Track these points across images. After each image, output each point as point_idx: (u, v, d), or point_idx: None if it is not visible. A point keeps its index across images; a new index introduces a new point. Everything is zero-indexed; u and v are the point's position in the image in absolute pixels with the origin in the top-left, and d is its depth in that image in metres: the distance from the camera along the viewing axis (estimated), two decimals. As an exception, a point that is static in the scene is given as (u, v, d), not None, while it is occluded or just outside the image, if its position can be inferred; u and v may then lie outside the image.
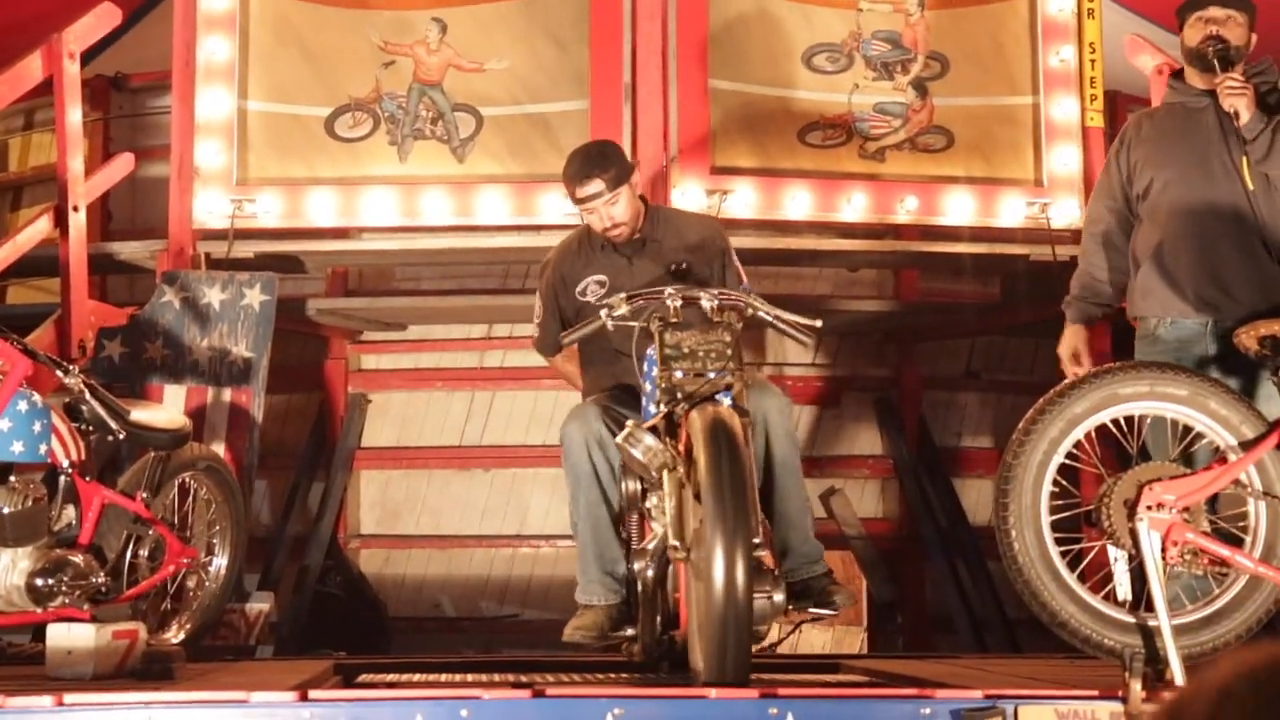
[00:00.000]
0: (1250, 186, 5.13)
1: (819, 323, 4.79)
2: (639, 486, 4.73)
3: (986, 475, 8.46)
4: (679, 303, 4.67)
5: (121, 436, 5.27)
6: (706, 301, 4.68)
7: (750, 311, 4.76)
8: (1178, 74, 5.54)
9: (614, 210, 5.38)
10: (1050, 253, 7.13)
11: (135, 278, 7.93)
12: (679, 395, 4.43)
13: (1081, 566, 4.71)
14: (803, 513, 5.26)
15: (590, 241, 5.57)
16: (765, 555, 4.39)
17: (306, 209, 7.08)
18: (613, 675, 4.98)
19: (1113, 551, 4.66)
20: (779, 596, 4.26)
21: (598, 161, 5.44)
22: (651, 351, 4.61)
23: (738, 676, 3.96)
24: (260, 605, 6.58)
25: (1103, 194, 5.52)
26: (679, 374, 4.47)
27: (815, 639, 8.44)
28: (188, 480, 5.82)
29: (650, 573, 4.68)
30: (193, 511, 5.91)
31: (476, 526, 8.33)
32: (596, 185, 5.36)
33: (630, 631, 5.00)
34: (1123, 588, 4.64)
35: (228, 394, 6.69)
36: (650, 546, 4.67)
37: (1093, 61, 7.31)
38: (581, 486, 5.14)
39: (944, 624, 8.08)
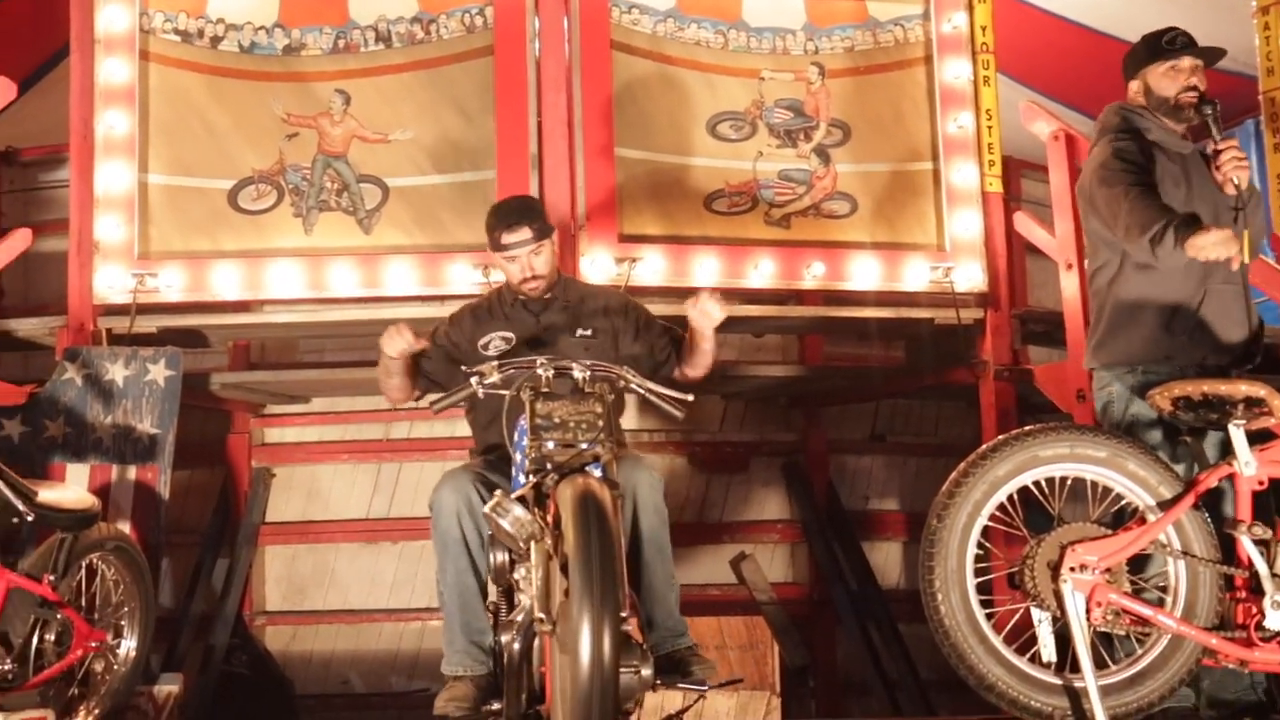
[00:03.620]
0: (1246, 260, 5.13)
1: (690, 397, 4.75)
2: (507, 557, 4.61)
3: (894, 538, 8.51)
4: (551, 373, 4.61)
5: (30, 519, 5.10)
6: (578, 372, 4.61)
7: (623, 383, 4.71)
8: (1143, 109, 5.46)
9: (537, 261, 5.45)
10: (955, 316, 7.19)
11: (30, 355, 7.74)
12: (548, 466, 4.36)
13: (1006, 629, 4.72)
14: (668, 588, 5.19)
15: (500, 300, 5.60)
16: (632, 629, 4.32)
17: (210, 282, 6.94)
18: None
19: (1036, 613, 4.67)
20: (646, 671, 4.16)
21: (525, 212, 5.56)
22: (522, 421, 4.54)
23: None
24: (169, 687, 6.41)
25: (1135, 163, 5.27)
26: (549, 444, 4.39)
27: (720, 705, 8.38)
28: (95, 561, 5.66)
29: (517, 645, 4.55)
30: (100, 593, 5.75)
31: (385, 600, 8.18)
32: (524, 233, 5.42)
33: (496, 705, 4.85)
34: (1047, 649, 4.65)
35: (133, 472, 6.52)
36: (518, 619, 4.56)
37: (990, 128, 7.39)
38: (450, 555, 5.04)
39: (857, 687, 8.06)
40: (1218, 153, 5.14)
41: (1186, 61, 5.36)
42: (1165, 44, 5.40)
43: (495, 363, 4.74)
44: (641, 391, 4.72)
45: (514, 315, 5.53)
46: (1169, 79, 5.36)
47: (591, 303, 5.64)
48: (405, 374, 5.52)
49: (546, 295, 5.52)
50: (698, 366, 5.71)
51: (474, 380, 4.67)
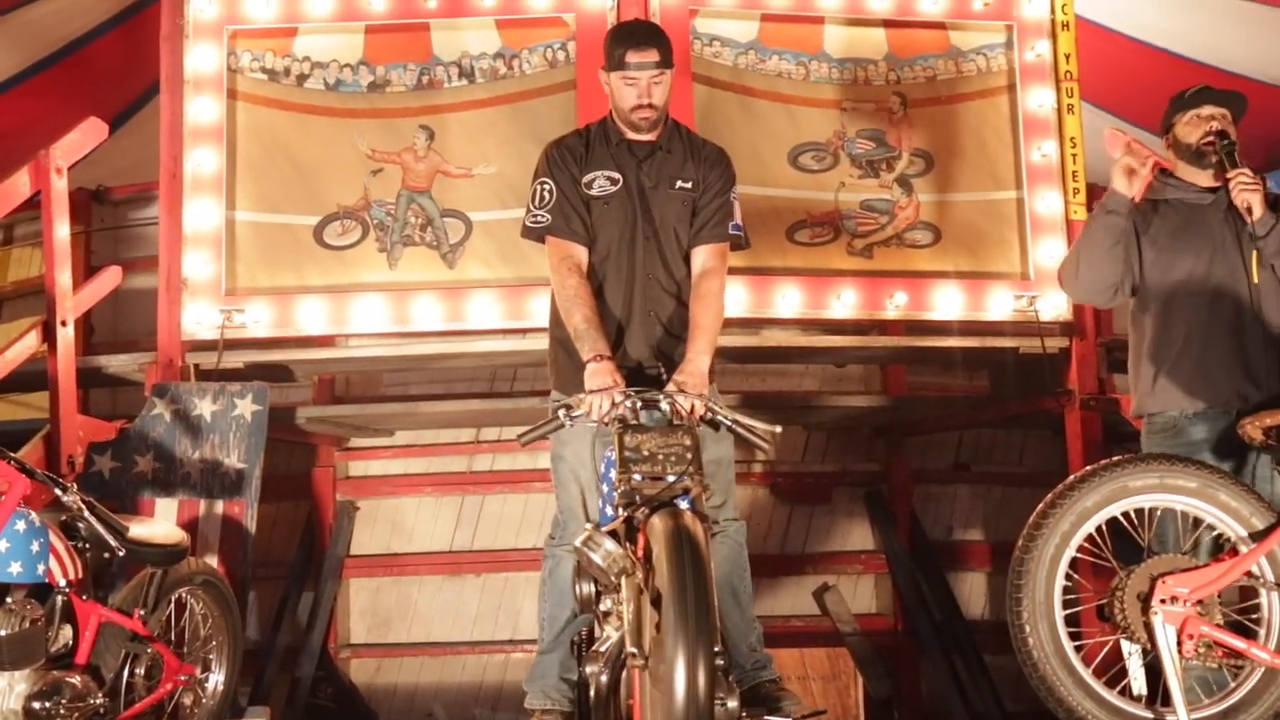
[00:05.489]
0: (1255, 281, 5.17)
1: (779, 429, 4.69)
2: (593, 589, 4.54)
3: (979, 568, 8.46)
4: (639, 404, 4.59)
5: (120, 554, 5.17)
6: (665, 404, 4.59)
7: (710, 415, 4.65)
8: (1166, 171, 5.56)
9: (656, 89, 5.24)
10: (1039, 345, 7.15)
11: (119, 390, 7.85)
12: (637, 499, 4.32)
13: (1096, 661, 4.68)
14: (749, 629, 5.23)
15: (605, 137, 5.39)
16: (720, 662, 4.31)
17: (296, 317, 7.01)
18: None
19: (1126, 646, 4.64)
20: (733, 703, 4.05)
21: (655, 34, 5.33)
22: (610, 453, 4.54)
23: None
24: (257, 720, 6.49)
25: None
26: (637, 477, 4.35)
27: (806, 736, 8.36)
28: (184, 595, 5.73)
29: (604, 678, 4.51)
30: (189, 627, 5.81)
31: (468, 633, 8.22)
32: (651, 55, 5.21)
33: None
34: (1138, 682, 4.61)
35: (220, 506, 6.59)
36: (603, 650, 4.54)
37: (1074, 156, 7.35)
38: (565, 609, 5.09)
39: (941, 718, 8.01)
40: (1230, 183, 5.20)
41: (1206, 110, 5.39)
42: (1187, 97, 5.46)
43: (581, 395, 4.69)
44: (728, 424, 4.66)
45: (619, 157, 5.33)
46: (1191, 127, 5.43)
47: (693, 150, 5.43)
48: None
49: (652, 138, 5.33)
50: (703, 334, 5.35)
51: (561, 413, 4.63)
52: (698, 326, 5.17)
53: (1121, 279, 5.45)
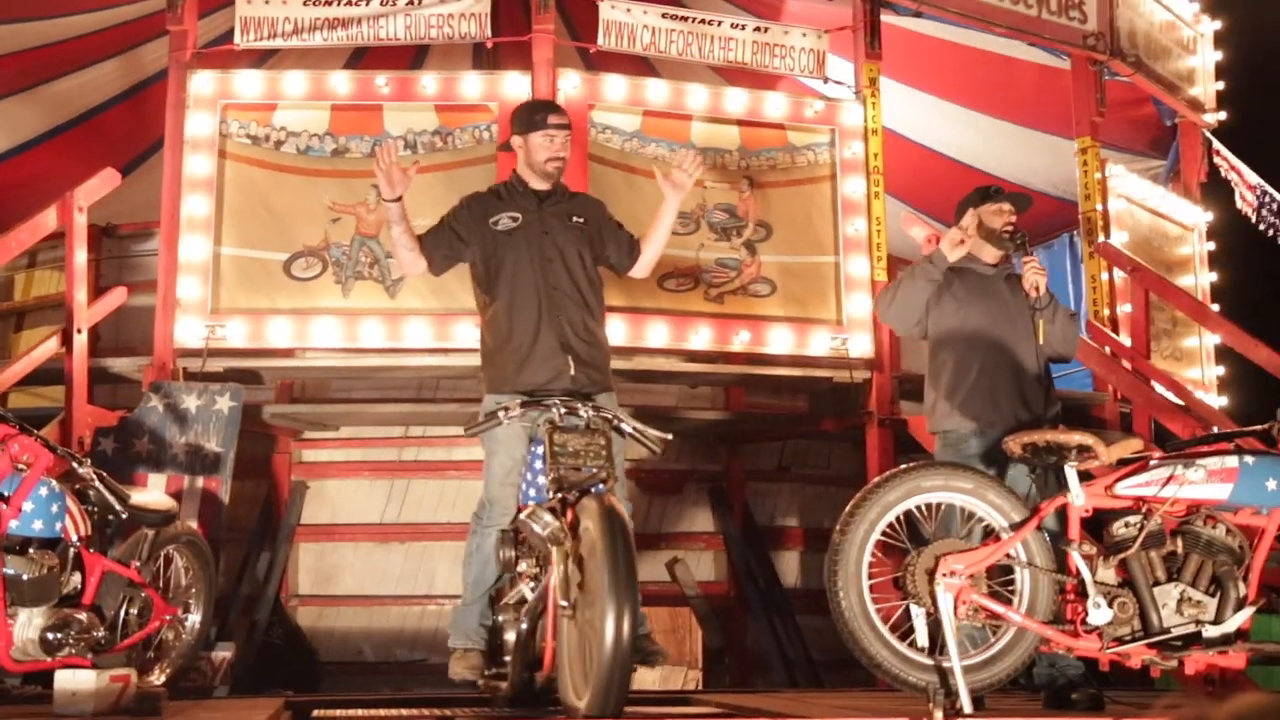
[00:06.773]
0: (1041, 341, 5.33)
1: (669, 436, 4.70)
2: (514, 554, 4.59)
3: (794, 548, 8.53)
4: (564, 411, 4.59)
5: (123, 516, 5.05)
6: (584, 413, 4.59)
7: (617, 423, 4.66)
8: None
9: (565, 147, 5.32)
10: (849, 375, 7.25)
11: (118, 387, 7.64)
12: (565, 485, 4.38)
13: (891, 620, 4.74)
14: None
15: (509, 190, 5.40)
16: None
17: (266, 333, 6.92)
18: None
19: (914, 609, 4.70)
20: None
21: (562, 109, 5.54)
22: (538, 449, 4.54)
23: (617, 711, 3.94)
24: (223, 653, 6.33)
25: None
26: (562, 469, 4.41)
27: (647, 676, 8.36)
28: (171, 551, 5.60)
29: (524, 625, 4.55)
30: (174, 577, 5.68)
31: (393, 588, 8.11)
32: (565, 120, 5.36)
33: (494, 670, 4.86)
34: (922, 637, 4.67)
35: (201, 481, 6.47)
36: (513, 603, 4.55)
37: (879, 231, 7.48)
38: (488, 573, 5.04)
39: (762, 665, 8.07)
40: (1024, 265, 5.36)
41: (1007, 205, 5.55)
42: (994, 192, 5.60)
43: (519, 400, 4.65)
44: (629, 430, 4.65)
45: (522, 201, 5.32)
46: (996, 216, 5.54)
47: (580, 201, 5.51)
48: (415, 248, 5.32)
49: (549, 187, 5.37)
50: (650, 251, 5.53)
51: (501, 414, 4.58)
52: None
53: (921, 318, 5.56)
